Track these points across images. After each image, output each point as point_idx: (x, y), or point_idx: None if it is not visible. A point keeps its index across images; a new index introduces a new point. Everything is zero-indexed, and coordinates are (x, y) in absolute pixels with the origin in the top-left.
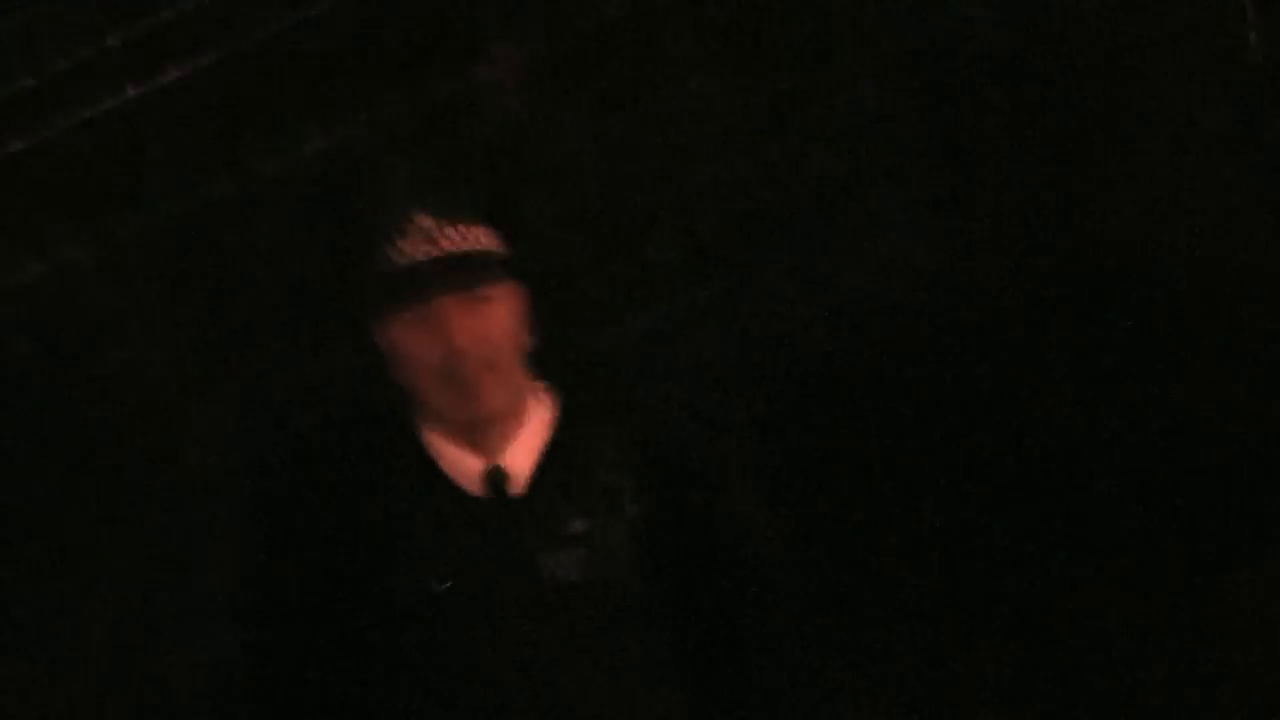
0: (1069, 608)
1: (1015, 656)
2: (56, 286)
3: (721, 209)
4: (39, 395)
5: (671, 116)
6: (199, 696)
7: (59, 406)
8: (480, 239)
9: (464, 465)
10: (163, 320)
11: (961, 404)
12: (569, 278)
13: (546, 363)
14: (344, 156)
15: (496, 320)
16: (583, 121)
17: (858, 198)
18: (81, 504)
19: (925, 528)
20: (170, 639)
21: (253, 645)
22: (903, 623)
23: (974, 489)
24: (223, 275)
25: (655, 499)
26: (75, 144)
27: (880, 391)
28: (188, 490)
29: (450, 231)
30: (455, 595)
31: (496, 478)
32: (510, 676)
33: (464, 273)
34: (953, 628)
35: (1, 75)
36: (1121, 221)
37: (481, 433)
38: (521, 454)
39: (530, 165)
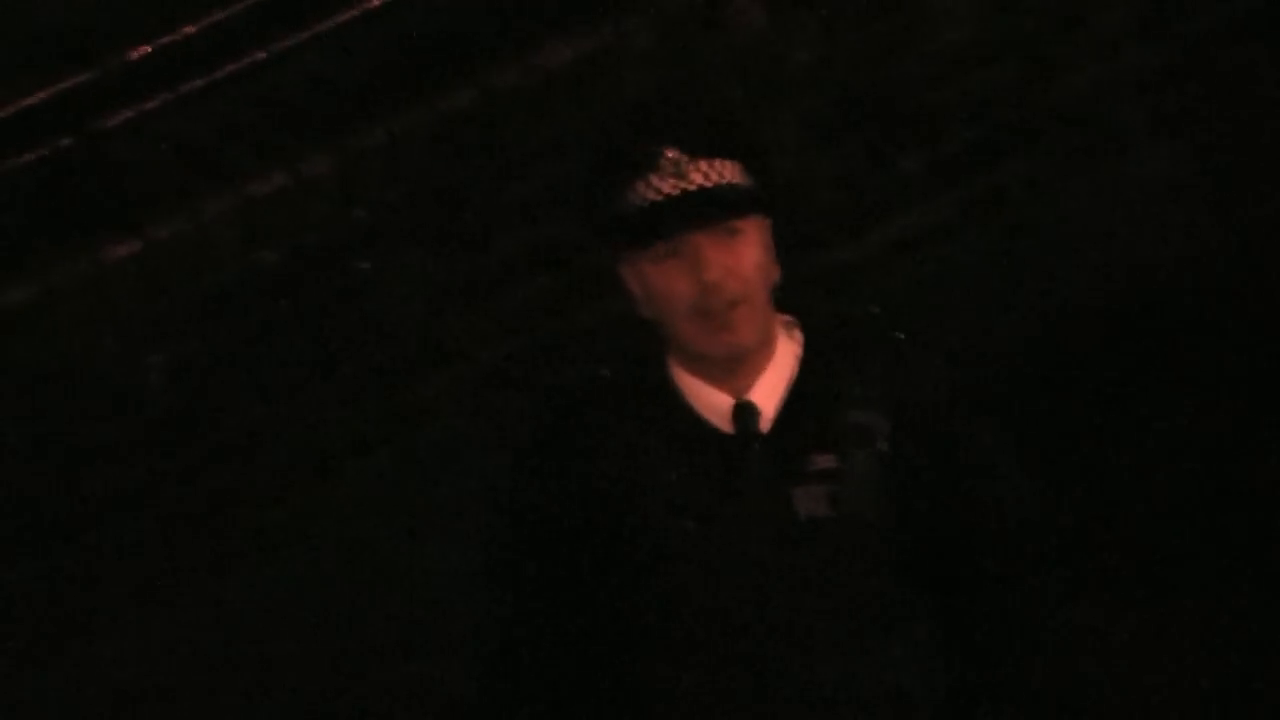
0: None
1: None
2: (300, 199)
3: (968, 122)
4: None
5: (915, 28)
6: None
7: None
8: (729, 173)
9: (713, 402)
10: (403, 243)
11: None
12: (813, 195)
13: (793, 295)
14: (585, 72)
15: (747, 254)
16: (827, 34)
17: (1104, 116)
18: (336, 428)
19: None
20: (415, 588)
21: (508, 585)
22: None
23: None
24: (460, 195)
25: (907, 437)
26: (312, 58)
27: (1136, 329)
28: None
29: (702, 164)
30: (707, 530)
31: (746, 414)
32: (759, 610)
33: (715, 208)
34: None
35: None
36: None
37: (731, 369)
38: (770, 390)
39: (774, 80)
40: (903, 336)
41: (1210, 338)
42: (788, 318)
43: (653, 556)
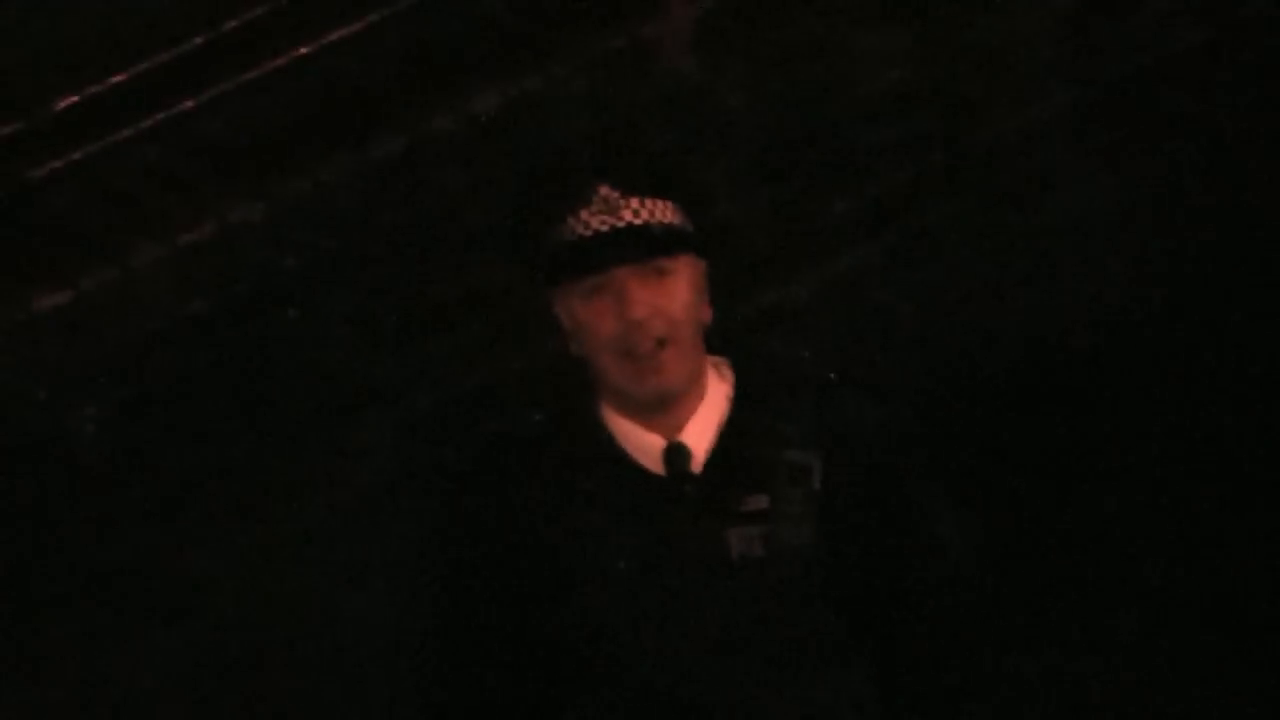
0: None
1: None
2: (230, 246)
3: (898, 164)
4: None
5: (845, 72)
6: (392, 692)
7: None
8: (661, 212)
9: (644, 443)
10: (334, 289)
11: (1155, 379)
12: (743, 240)
13: (723, 334)
14: (516, 116)
15: (676, 294)
16: (756, 78)
17: (1032, 157)
18: (269, 475)
19: (1125, 521)
20: (348, 632)
21: (438, 628)
22: (1094, 621)
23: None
24: (392, 241)
25: (839, 476)
26: (241, 105)
27: (1072, 365)
28: (361, 476)
29: (633, 203)
30: (641, 572)
31: (678, 455)
32: (693, 651)
33: (644, 245)
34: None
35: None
36: None
37: (662, 410)
38: (701, 430)
39: (706, 124)
40: (834, 377)
41: (1144, 379)
42: (718, 359)
43: (587, 600)
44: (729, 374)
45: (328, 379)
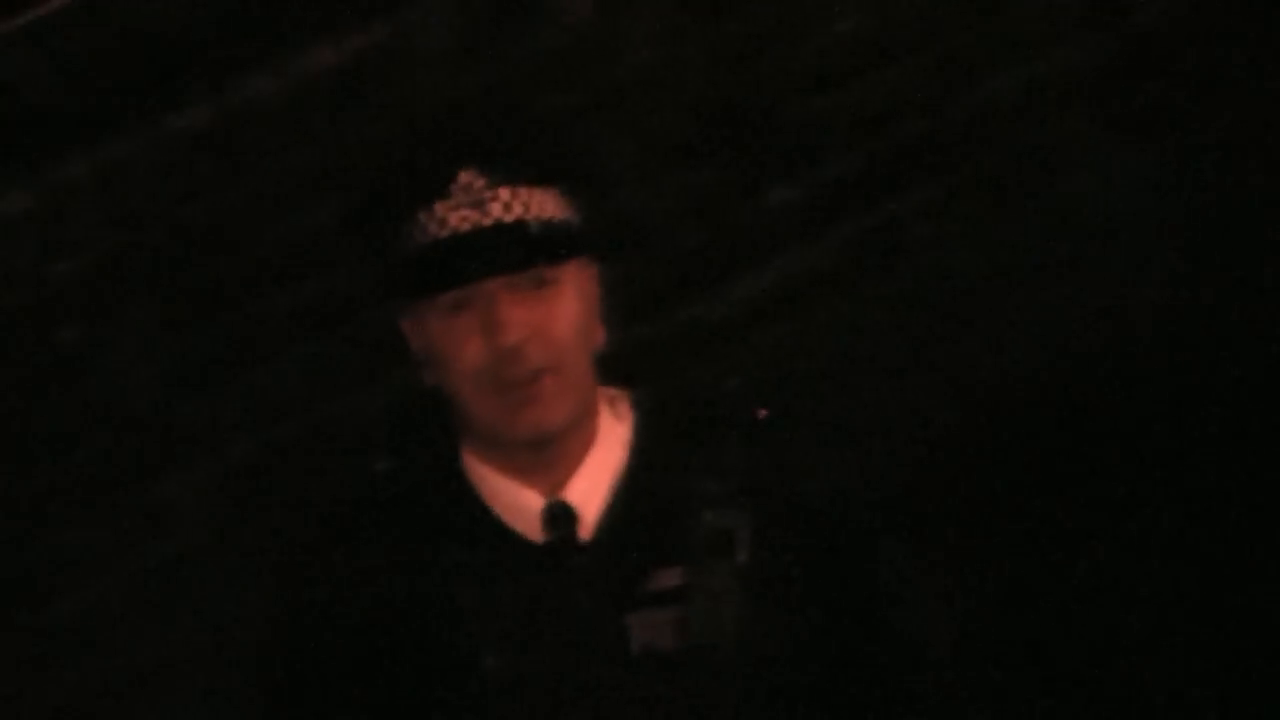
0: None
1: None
2: None
3: (857, 140)
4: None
5: (788, 19)
6: None
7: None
8: (540, 205)
9: (518, 501)
10: (123, 302)
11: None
12: (652, 238)
13: (621, 360)
14: (357, 77)
15: (561, 311)
16: (672, 28)
17: (1030, 132)
18: (42, 544)
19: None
20: None
21: None
22: None
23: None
24: (197, 240)
25: (774, 544)
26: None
27: (1069, 407)
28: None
29: (503, 194)
30: (516, 668)
31: (560, 517)
32: None
33: (517, 249)
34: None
35: None
36: None
37: (539, 459)
38: (591, 486)
39: (607, 86)
40: (765, 414)
41: (1160, 419)
42: (615, 392)
43: (448, 705)
44: (628, 413)
45: (117, 420)
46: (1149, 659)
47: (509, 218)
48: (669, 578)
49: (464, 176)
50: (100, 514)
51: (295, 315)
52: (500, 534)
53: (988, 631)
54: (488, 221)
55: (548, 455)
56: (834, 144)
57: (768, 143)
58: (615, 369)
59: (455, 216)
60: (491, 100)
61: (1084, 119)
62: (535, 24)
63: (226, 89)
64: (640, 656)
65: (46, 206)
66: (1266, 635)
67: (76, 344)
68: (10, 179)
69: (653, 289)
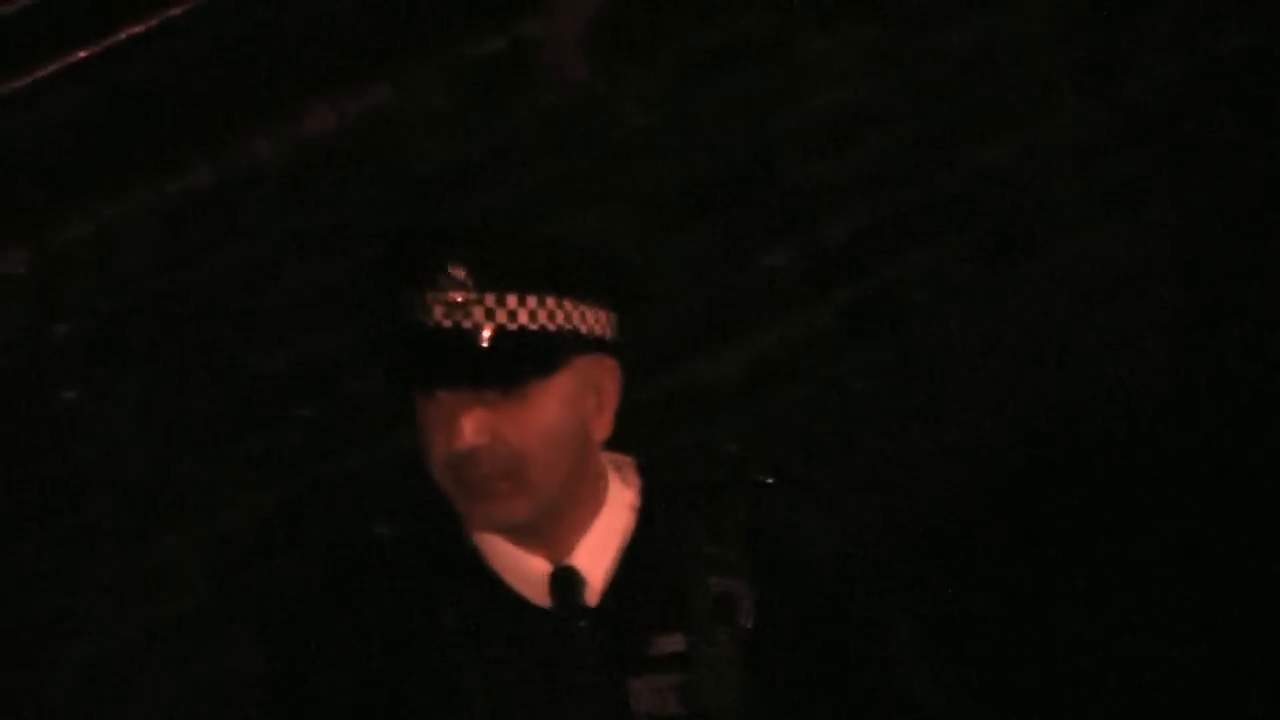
0: None
1: None
2: None
3: (853, 205)
4: None
5: (786, 84)
6: None
7: None
8: (531, 314)
9: (525, 568)
10: (122, 364)
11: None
12: (652, 303)
13: (628, 428)
14: (357, 144)
15: (534, 419)
16: (669, 90)
17: (1030, 198)
18: (36, 609)
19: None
20: None
21: None
22: None
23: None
24: (197, 301)
25: (777, 609)
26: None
27: (1057, 458)
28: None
29: (489, 300)
30: None
31: (567, 583)
32: None
33: (487, 366)
34: None
35: None
36: None
37: (545, 526)
38: (597, 551)
39: (601, 150)
40: (769, 479)
41: (1165, 490)
42: (621, 458)
43: None
44: (635, 478)
45: (113, 483)
46: None
47: (488, 326)
48: (672, 643)
49: (451, 270)
50: (97, 575)
51: (295, 378)
52: (505, 598)
53: (988, 692)
54: (466, 325)
55: (551, 524)
56: (830, 209)
57: (764, 207)
58: (617, 432)
59: (438, 311)
60: (488, 179)
61: (1080, 186)
62: (532, 87)
63: (225, 152)
64: None
65: (46, 267)
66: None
67: (75, 405)
68: (10, 239)
69: (649, 352)
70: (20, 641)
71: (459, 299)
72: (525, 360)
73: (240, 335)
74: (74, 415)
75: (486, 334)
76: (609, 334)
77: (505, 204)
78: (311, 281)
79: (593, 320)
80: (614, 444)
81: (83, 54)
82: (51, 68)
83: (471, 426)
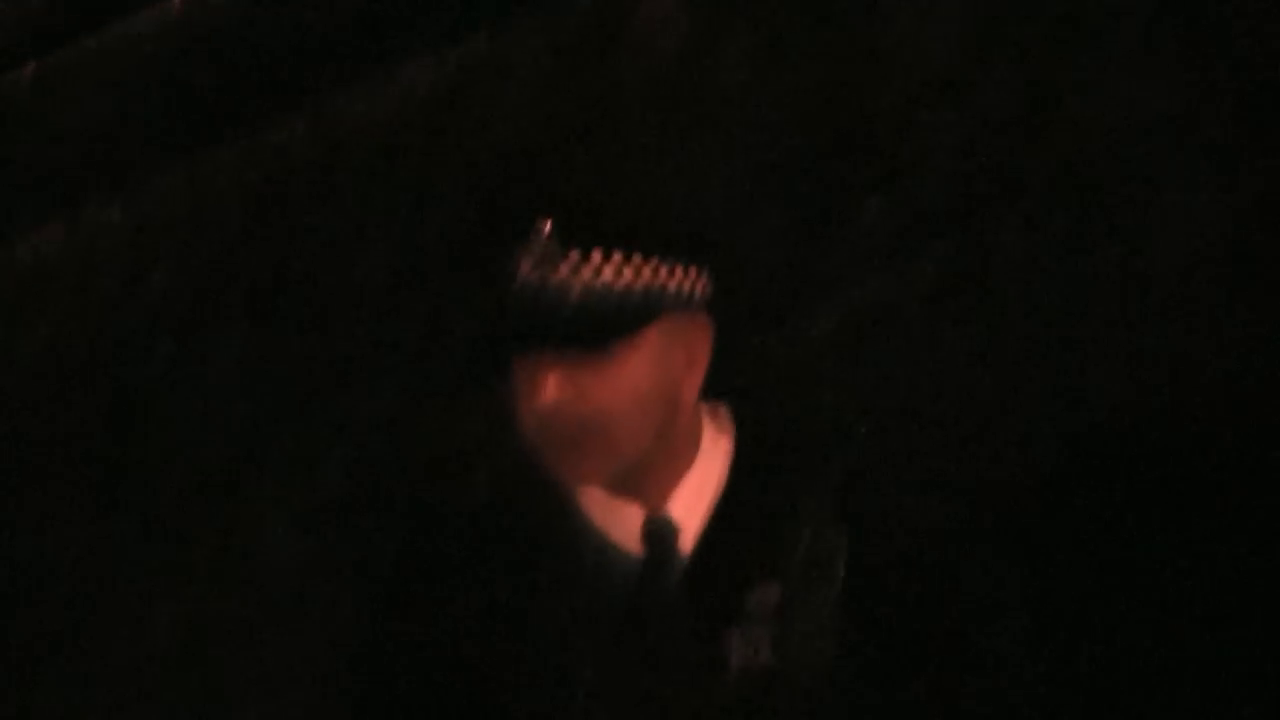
0: None
1: None
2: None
3: (949, 164)
4: None
5: (885, 38)
6: None
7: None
8: (625, 272)
9: (621, 516)
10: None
11: None
12: (748, 258)
13: (725, 378)
14: (455, 97)
15: (619, 379)
16: (763, 50)
17: (1130, 161)
18: (124, 571)
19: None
20: None
21: None
22: None
23: None
24: (295, 260)
25: (875, 561)
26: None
27: (1171, 447)
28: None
29: (575, 256)
30: (612, 682)
31: (662, 532)
32: None
33: (576, 324)
34: None
35: None
36: None
37: (638, 476)
38: (693, 501)
39: (698, 108)
40: (865, 431)
41: (1264, 448)
42: (718, 407)
43: (545, 715)
44: (730, 428)
45: (210, 442)
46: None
47: (575, 283)
48: (768, 594)
49: (543, 231)
50: (192, 534)
51: (391, 334)
52: (604, 547)
53: (1092, 655)
54: (549, 285)
55: (645, 476)
56: (930, 164)
57: (856, 166)
58: (714, 383)
59: (525, 267)
60: (578, 142)
61: (1179, 143)
62: (629, 45)
63: (324, 106)
64: (739, 673)
65: (143, 220)
66: None
67: (171, 360)
68: (107, 192)
69: (745, 308)
70: (118, 598)
71: (547, 257)
72: (611, 319)
73: (338, 294)
74: (169, 370)
75: (573, 293)
76: (700, 292)
77: (600, 161)
78: (406, 241)
79: (682, 278)
80: (710, 393)
81: (179, 1)
82: (149, 15)
83: (557, 385)
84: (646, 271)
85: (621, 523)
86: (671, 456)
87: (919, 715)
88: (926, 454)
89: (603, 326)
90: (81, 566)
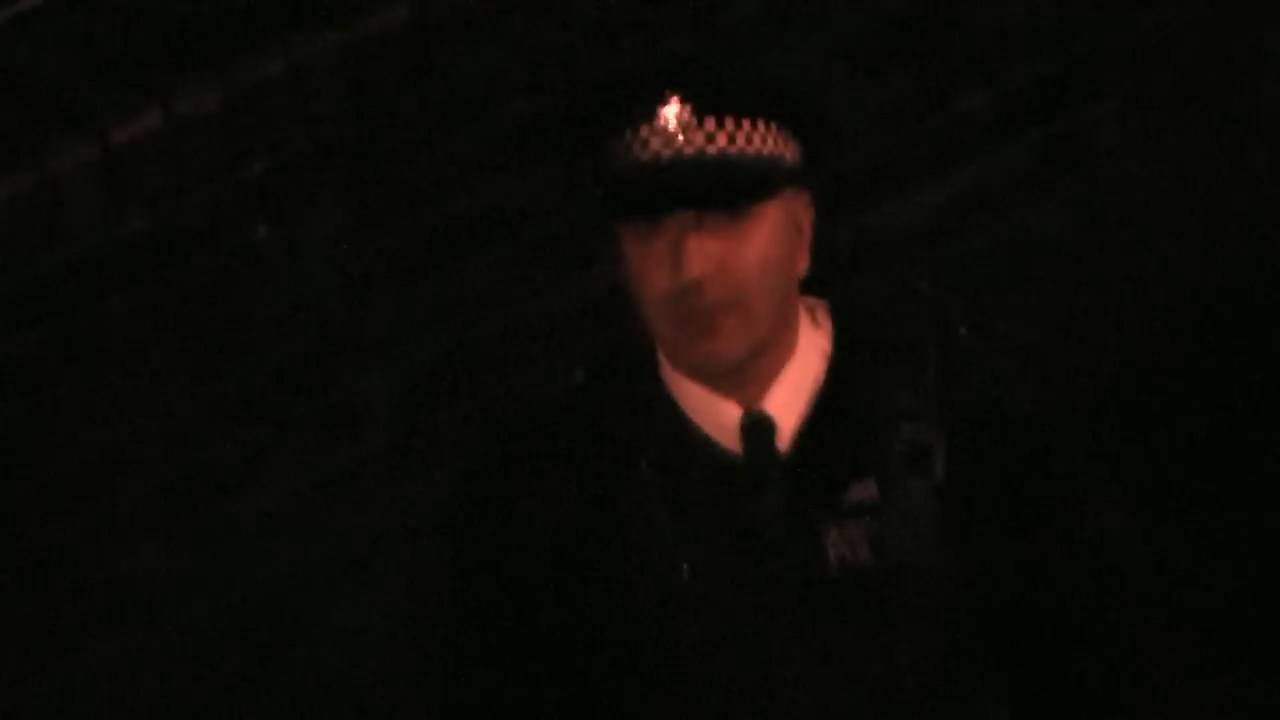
0: None
1: None
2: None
3: (1045, 50)
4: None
5: None
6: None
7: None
8: (748, 138)
9: (718, 413)
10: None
11: None
12: (849, 142)
13: (822, 270)
14: None
15: (752, 246)
16: None
17: (1224, 43)
18: (221, 448)
19: None
20: (330, 645)
21: (458, 655)
22: None
23: None
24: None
25: (970, 460)
26: None
27: (1268, 318)
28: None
29: (709, 124)
30: (709, 581)
31: (760, 430)
32: (775, 685)
33: (716, 186)
34: None
35: None
36: None
37: (737, 371)
38: (790, 398)
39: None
40: (964, 330)
41: None
42: (814, 302)
43: (641, 616)
44: (827, 323)
45: (306, 321)
46: None
47: (711, 150)
48: (865, 491)
49: (671, 103)
50: (286, 415)
51: (485, 218)
52: (698, 444)
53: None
54: (689, 151)
55: (747, 368)
56: (1021, 52)
57: (953, 53)
58: (808, 276)
59: (657, 142)
60: (702, 19)
61: (1271, 35)
62: None
63: None
64: (837, 570)
65: (239, 106)
66: None
67: (268, 243)
68: (202, 79)
69: (843, 196)
70: (215, 481)
71: (678, 128)
72: (747, 184)
73: (433, 172)
74: (266, 253)
75: (710, 157)
76: (805, 166)
77: (703, 44)
78: (505, 121)
79: (795, 150)
80: (805, 288)
81: None
82: None
83: (699, 255)
84: (770, 139)
85: (719, 420)
86: (776, 346)
87: (1017, 611)
88: (1024, 346)
89: (740, 191)
90: (182, 437)
